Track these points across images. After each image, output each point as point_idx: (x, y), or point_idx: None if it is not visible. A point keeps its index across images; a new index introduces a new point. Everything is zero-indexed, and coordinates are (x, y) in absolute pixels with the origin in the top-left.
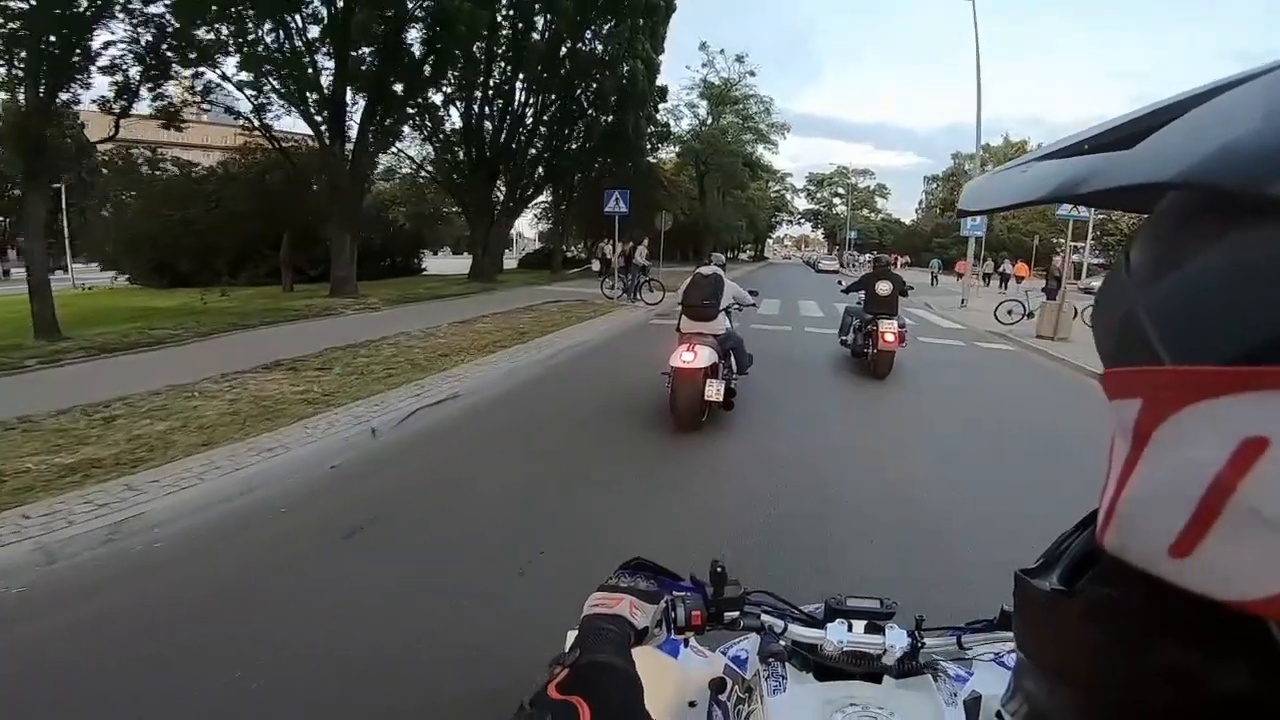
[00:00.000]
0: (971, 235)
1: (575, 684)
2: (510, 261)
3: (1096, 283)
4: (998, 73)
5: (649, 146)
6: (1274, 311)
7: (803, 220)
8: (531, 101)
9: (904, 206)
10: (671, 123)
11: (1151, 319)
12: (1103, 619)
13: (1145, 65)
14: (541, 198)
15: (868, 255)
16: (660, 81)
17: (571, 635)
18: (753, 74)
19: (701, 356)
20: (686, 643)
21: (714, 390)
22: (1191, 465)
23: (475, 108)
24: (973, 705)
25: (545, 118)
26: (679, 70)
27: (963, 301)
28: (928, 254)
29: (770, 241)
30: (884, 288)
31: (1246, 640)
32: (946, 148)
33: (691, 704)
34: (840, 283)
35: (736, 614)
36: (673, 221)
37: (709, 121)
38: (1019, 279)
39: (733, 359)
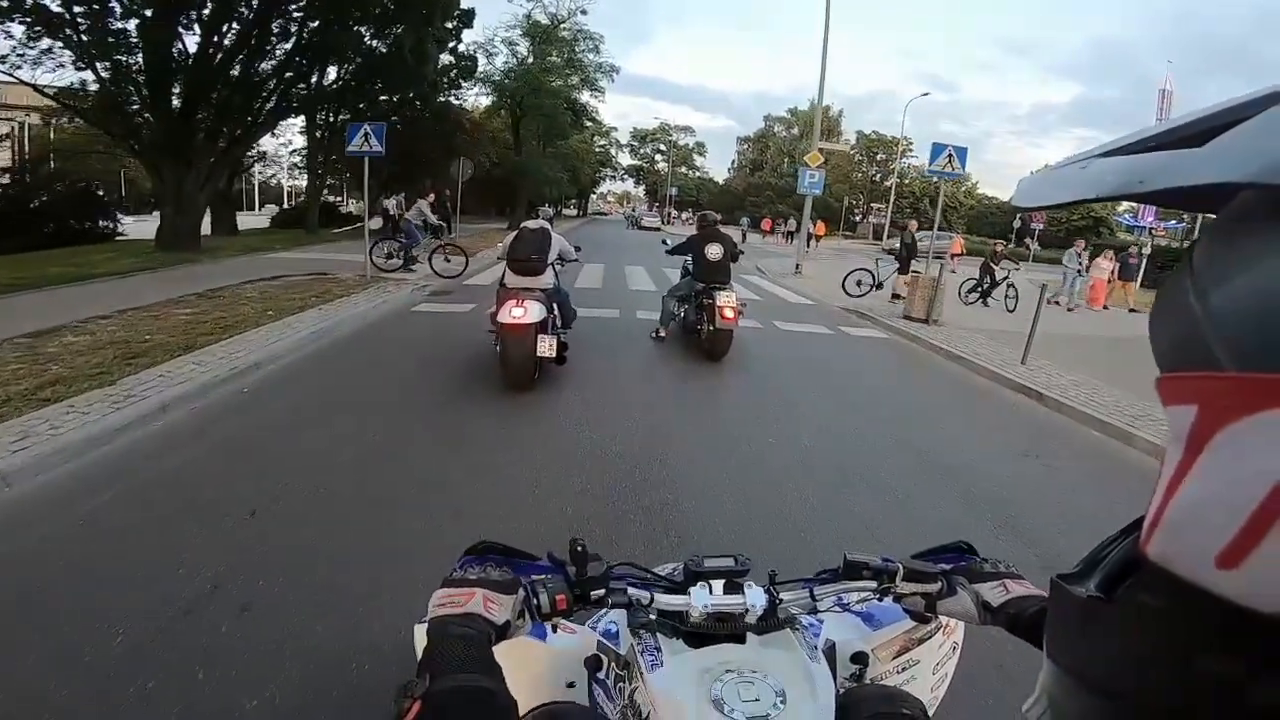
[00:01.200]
0: (810, 193)
1: None
2: (260, 220)
3: (894, 243)
4: (808, 44)
5: (444, 82)
6: None
7: (626, 176)
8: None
9: (717, 167)
10: (483, 60)
11: (1214, 324)
12: (1142, 627)
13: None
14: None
15: (688, 213)
16: (468, 2)
17: (420, 632)
18: (584, 11)
19: (531, 311)
20: (555, 627)
21: (546, 345)
22: (1249, 475)
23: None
24: (829, 653)
25: (276, 30)
26: (498, 4)
27: (797, 267)
28: (739, 212)
29: (594, 197)
30: (714, 251)
31: None
32: (756, 113)
33: (570, 684)
34: (665, 243)
35: (603, 591)
36: (474, 171)
37: (529, 60)
38: (819, 237)
39: (559, 313)
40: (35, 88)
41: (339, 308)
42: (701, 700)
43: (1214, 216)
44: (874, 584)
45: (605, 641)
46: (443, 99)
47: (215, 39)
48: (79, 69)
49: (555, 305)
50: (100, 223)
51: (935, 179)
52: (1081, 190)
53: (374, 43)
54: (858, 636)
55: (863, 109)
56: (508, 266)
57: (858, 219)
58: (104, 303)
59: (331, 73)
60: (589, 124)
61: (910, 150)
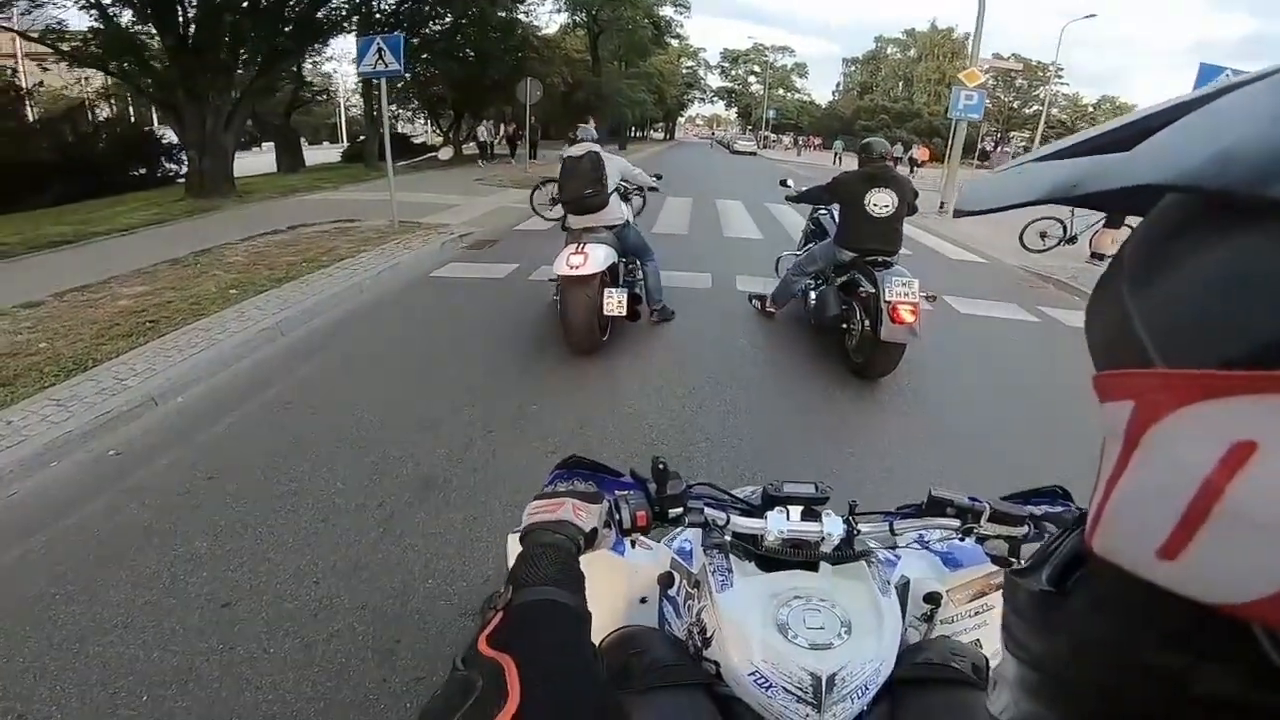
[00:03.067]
0: (965, 117)
1: (507, 634)
2: (332, 155)
3: None
4: None
5: None
6: (1266, 316)
7: (716, 98)
8: None
9: (818, 92)
10: None
11: (1145, 322)
12: (1090, 620)
13: None
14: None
15: (788, 137)
16: None
17: (513, 541)
18: None
19: (594, 259)
20: (634, 542)
21: (615, 301)
22: (1181, 468)
23: None
24: (902, 590)
25: None
26: None
27: (941, 205)
28: (849, 137)
29: (682, 121)
30: (882, 202)
31: (1232, 644)
32: (858, 37)
33: (643, 600)
34: (786, 183)
35: (681, 510)
36: (543, 92)
37: None
38: (920, 163)
39: (639, 263)
40: (47, 41)
41: (332, 276)
42: (766, 624)
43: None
44: (957, 523)
45: (679, 559)
46: (504, 14)
47: None
48: (83, 7)
49: (631, 250)
50: (166, 165)
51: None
52: (1019, 195)
53: None
54: (934, 575)
55: (995, 35)
56: (564, 208)
57: (992, 148)
58: (48, 280)
59: None
60: (672, 41)
61: (1060, 77)
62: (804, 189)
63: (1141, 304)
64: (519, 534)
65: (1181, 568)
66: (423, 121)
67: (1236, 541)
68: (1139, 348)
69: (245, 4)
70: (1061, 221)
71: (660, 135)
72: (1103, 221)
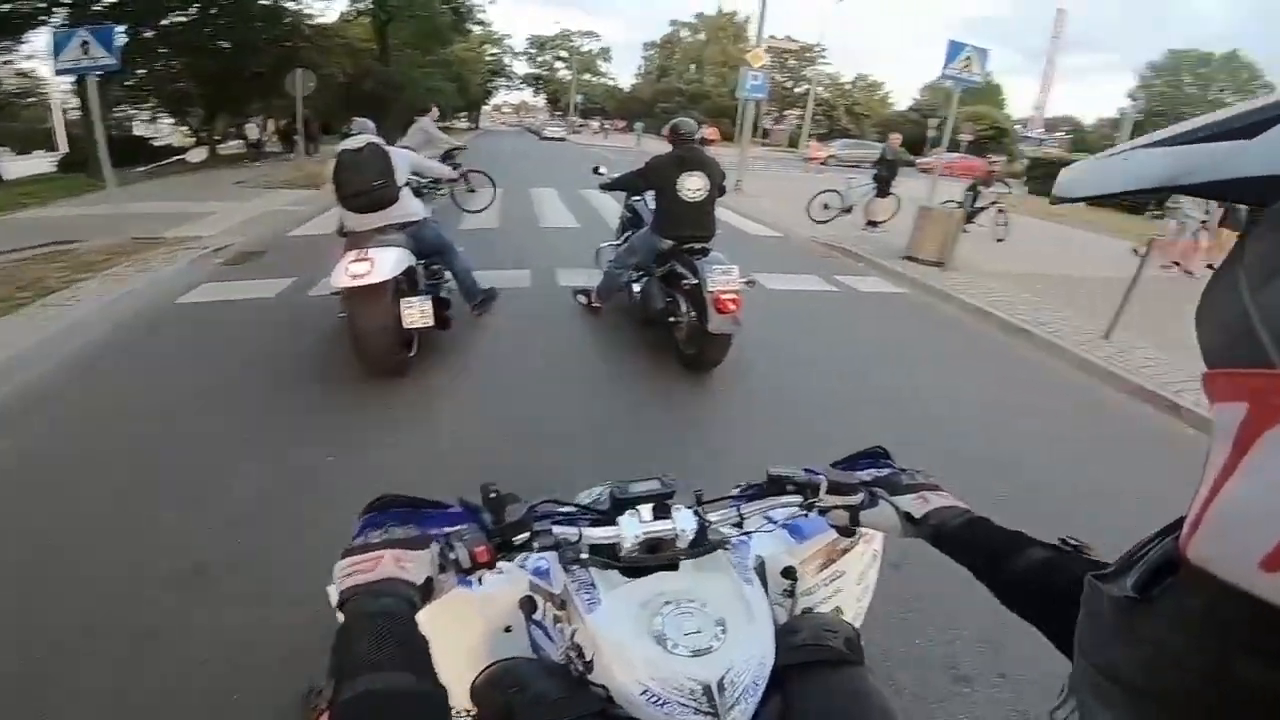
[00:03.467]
0: (752, 97)
1: None
2: (48, 165)
3: (827, 152)
4: None
5: None
6: None
7: (523, 85)
8: None
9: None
10: None
11: (1265, 319)
12: (1179, 629)
13: None
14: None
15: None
16: None
17: (334, 593)
18: None
19: (382, 264)
20: (480, 578)
21: (417, 311)
22: None
23: None
24: (760, 570)
25: None
26: None
27: (737, 183)
28: (650, 120)
29: (488, 109)
30: (695, 186)
31: None
32: (658, 19)
33: (507, 629)
34: (599, 170)
35: (527, 535)
36: (317, 84)
37: None
38: (710, 142)
39: (442, 263)
40: None
41: (33, 319)
42: (644, 638)
43: (1265, 210)
44: (799, 498)
45: (537, 581)
46: (267, 2)
47: None
48: None
49: (431, 249)
50: None
51: (950, 85)
52: (1125, 182)
53: None
54: (785, 550)
55: (768, 19)
56: (341, 206)
57: (770, 126)
58: None
59: None
60: (475, 28)
61: (824, 58)
62: (616, 176)
63: (1262, 300)
64: (337, 600)
65: None
66: (171, 122)
67: None
68: (1256, 346)
69: None
70: (839, 193)
71: (464, 125)
72: (875, 192)
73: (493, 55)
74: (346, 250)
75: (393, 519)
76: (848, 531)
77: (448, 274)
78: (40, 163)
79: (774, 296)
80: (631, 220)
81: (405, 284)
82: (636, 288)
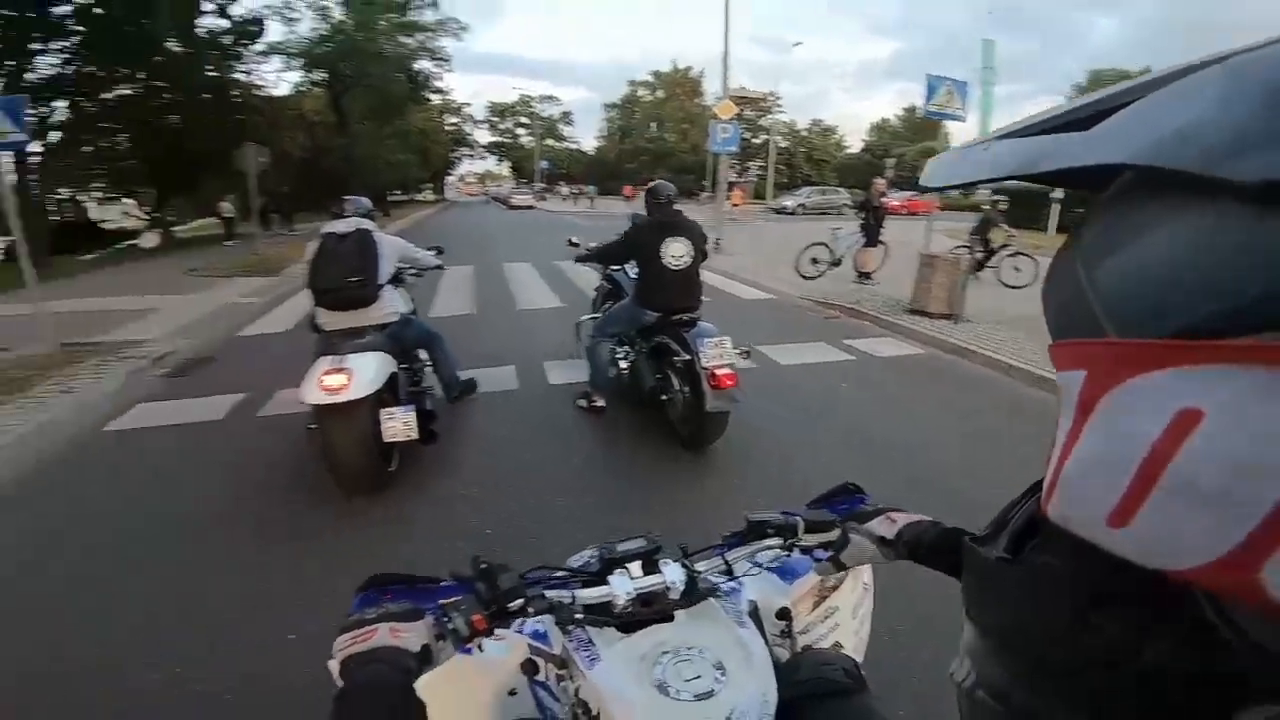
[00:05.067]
0: (724, 151)
1: None
2: None
3: (788, 201)
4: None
5: (216, 52)
6: (1214, 288)
7: (486, 154)
8: None
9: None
10: (281, 27)
11: (1098, 294)
12: (1044, 586)
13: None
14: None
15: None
16: None
17: (333, 668)
18: None
19: (361, 378)
20: (480, 645)
21: (399, 424)
22: (1130, 436)
23: None
24: (755, 615)
25: None
26: None
27: (717, 242)
28: (613, 181)
29: (453, 179)
30: (679, 253)
31: (1178, 609)
32: (616, 80)
33: (512, 692)
34: (574, 242)
35: (521, 601)
36: (270, 160)
37: (345, 22)
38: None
39: (420, 360)
40: None
41: None
42: (646, 689)
43: (1099, 196)
44: (780, 540)
45: (536, 644)
46: (213, 71)
47: None
48: None
49: (411, 348)
50: None
51: (931, 115)
52: (983, 171)
53: None
54: (776, 593)
55: (714, 72)
56: (315, 302)
57: (734, 179)
58: None
59: None
60: (433, 97)
61: (779, 106)
62: (593, 245)
63: (1095, 277)
64: (338, 672)
65: (1131, 534)
66: (131, 202)
67: (1182, 508)
68: (1092, 319)
69: None
70: (827, 245)
71: (429, 197)
72: (864, 241)
73: (453, 124)
74: (318, 354)
75: (386, 597)
76: (838, 567)
77: (431, 377)
78: None
79: (785, 374)
80: (611, 292)
81: (386, 392)
82: (623, 364)
